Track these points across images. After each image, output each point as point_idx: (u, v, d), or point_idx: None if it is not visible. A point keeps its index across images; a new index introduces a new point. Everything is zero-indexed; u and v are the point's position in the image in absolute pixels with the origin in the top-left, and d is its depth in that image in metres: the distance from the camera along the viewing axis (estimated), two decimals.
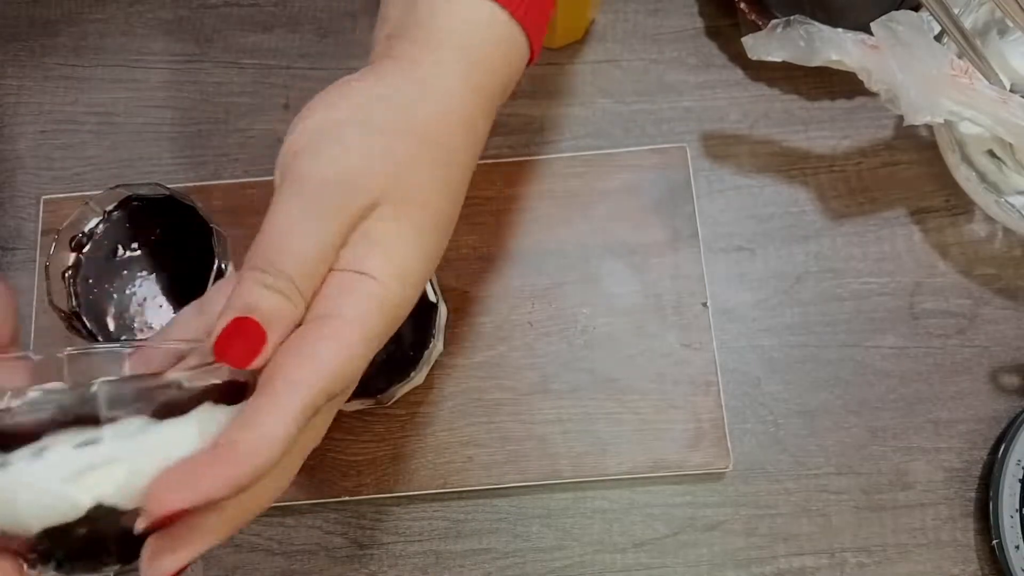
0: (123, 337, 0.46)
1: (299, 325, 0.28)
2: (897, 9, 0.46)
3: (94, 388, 0.24)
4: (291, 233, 0.28)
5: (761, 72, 0.56)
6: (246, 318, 0.27)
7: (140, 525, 0.24)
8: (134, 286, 0.48)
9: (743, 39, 0.49)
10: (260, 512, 0.28)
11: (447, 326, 0.49)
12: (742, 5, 0.54)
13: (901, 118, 0.47)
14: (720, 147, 0.55)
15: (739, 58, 0.56)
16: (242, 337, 0.27)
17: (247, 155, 0.56)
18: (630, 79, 0.57)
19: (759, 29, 0.51)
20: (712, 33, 0.57)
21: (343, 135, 0.30)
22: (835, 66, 0.47)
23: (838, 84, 0.56)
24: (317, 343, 0.27)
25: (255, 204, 0.53)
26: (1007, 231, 0.53)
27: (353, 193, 0.29)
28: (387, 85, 0.31)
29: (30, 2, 0.59)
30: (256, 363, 0.27)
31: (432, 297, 0.46)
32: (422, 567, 0.49)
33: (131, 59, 0.58)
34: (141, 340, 0.28)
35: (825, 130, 0.56)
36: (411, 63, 0.32)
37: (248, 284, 0.27)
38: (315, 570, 0.49)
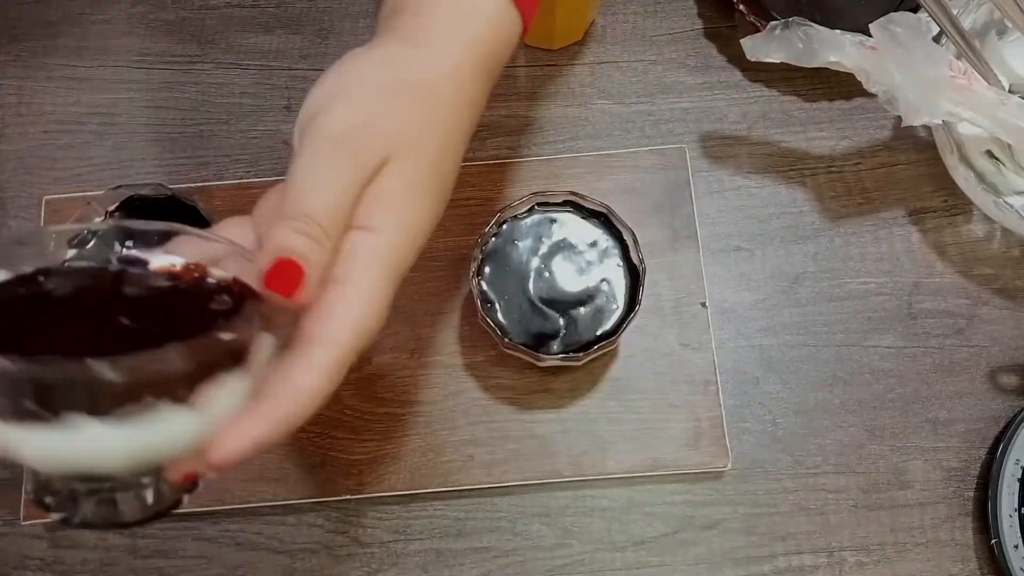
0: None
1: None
2: (895, 11, 0.47)
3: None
4: (314, 184, 0.31)
5: (760, 73, 0.57)
6: (287, 259, 0.30)
7: (214, 464, 0.28)
8: None
9: (742, 40, 0.49)
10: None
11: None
12: (740, 7, 0.55)
13: (899, 119, 0.47)
14: (719, 148, 0.56)
15: (738, 59, 0.57)
16: (284, 273, 0.30)
17: (249, 156, 0.56)
18: (629, 80, 0.57)
19: (757, 30, 0.51)
20: (711, 34, 0.58)
21: (351, 96, 0.32)
22: (833, 67, 0.47)
23: (836, 85, 0.56)
24: (337, 305, 0.30)
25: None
26: (1005, 231, 0.53)
27: (364, 147, 0.31)
28: (387, 50, 0.34)
29: (32, 3, 0.60)
30: (300, 295, 0.30)
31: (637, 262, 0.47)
32: (423, 565, 0.49)
33: (133, 60, 0.58)
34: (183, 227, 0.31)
35: (823, 131, 0.56)
36: (409, 31, 0.35)
37: (283, 230, 0.30)
38: (316, 568, 0.50)
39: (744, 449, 0.51)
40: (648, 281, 0.46)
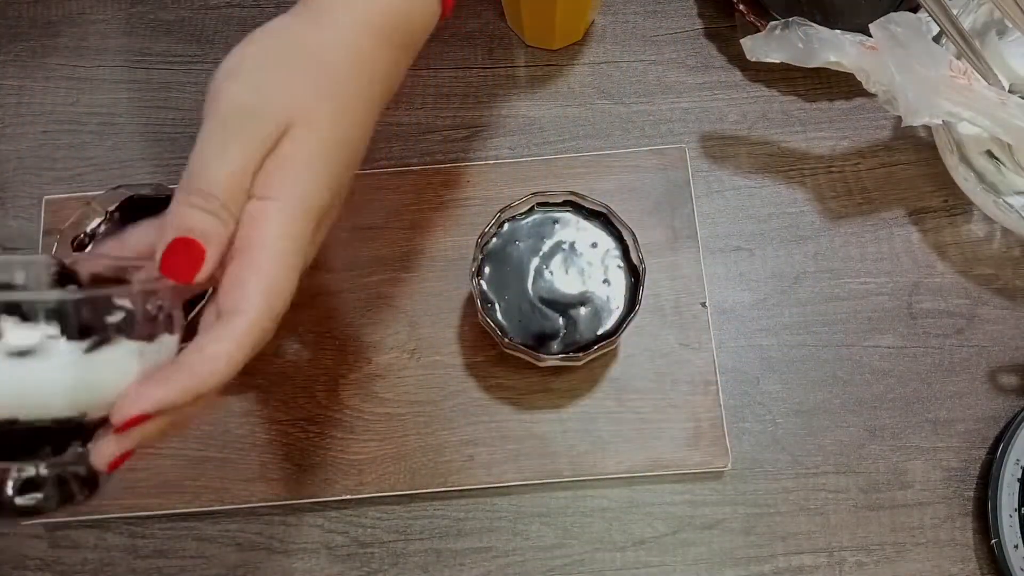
0: None
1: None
2: (895, 11, 0.47)
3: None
4: (211, 159, 0.32)
5: (759, 73, 0.57)
6: (185, 237, 0.31)
7: (115, 422, 0.29)
8: None
9: (742, 41, 0.49)
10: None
11: None
12: (740, 7, 0.55)
13: (899, 119, 0.47)
14: (719, 148, 0.56)
15: (738, 59, 0.57)
16: (183, 253, 0.31)
17: None
18: (629, 80, 0.57)
19: (757, 30, 0.51)
20: (711, 34, 0.58)
21: (243, 72, 0.33)
22: (833, 67, 0.47)
23: (836, 85, 0.56)
24: (243, 274, 0.31)
25: None
26: (1005, 231, 0.53)
27: (257, 120, 0.32)
28: (282, 23, 0.35)
29: (32, 2, 0.60)
30: (199, 276, 0.31)
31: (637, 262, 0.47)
32: (423, 565, 0.49)
33: (132, 60, 0.58)
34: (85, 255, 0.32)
35: (823, 131, 0.56)
36: (309, 4, 0.35)
37: (181, 207, 0.31)
38: (316, 568, 0.50)
39: (744, 449, 0.51)
40: (648, 281, 0.46)
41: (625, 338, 0.51)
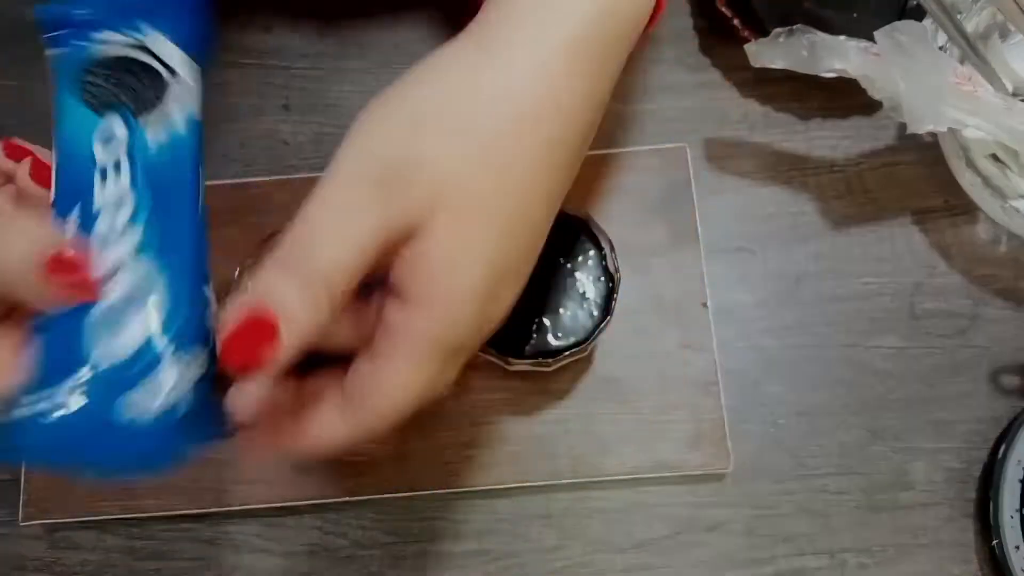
0: None
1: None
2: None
3: None
4: (327, 232, 0.26)
5: (762, 73, 0.56)
6: (262, 318, 0.25)
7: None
8: None
9: (746, 47, 0.49)
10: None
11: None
12: (735, 21, 0.54)
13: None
14: (720, 148, 0.55)
15: (739, 59, 0.56)
16: (254, 335, 0.25)
17: (247, 155, 0.56)
18: (630, 79, 0.57)
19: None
20: (713, 33, 0.57)
21: (392, 120, 0.27)
22: (838, 74, 0.47)
23: (839, 85, 0.56)
24: (372, 380, 0.27)
25: (255, 204, 0.53)
26: (1011, 235, 0.53)
27: (397, 192, 0.26)
28: (454, 56, 0.28)
29: (31, 2, 0.59)
30: (265, 368, 0.25)
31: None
32: (422, 568, 0.49)
33: None
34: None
35: (825, 131, 0.56)
36: (486, 27, 0.28)
37: (272, 276, 0.26)
38: (315, 570, 0.49)
39: (746, 450, 0.50)
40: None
41: (626, 339, 0.51)
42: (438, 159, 0.26)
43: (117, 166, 0.29)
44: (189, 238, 0.30)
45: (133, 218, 0.29)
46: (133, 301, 0.27)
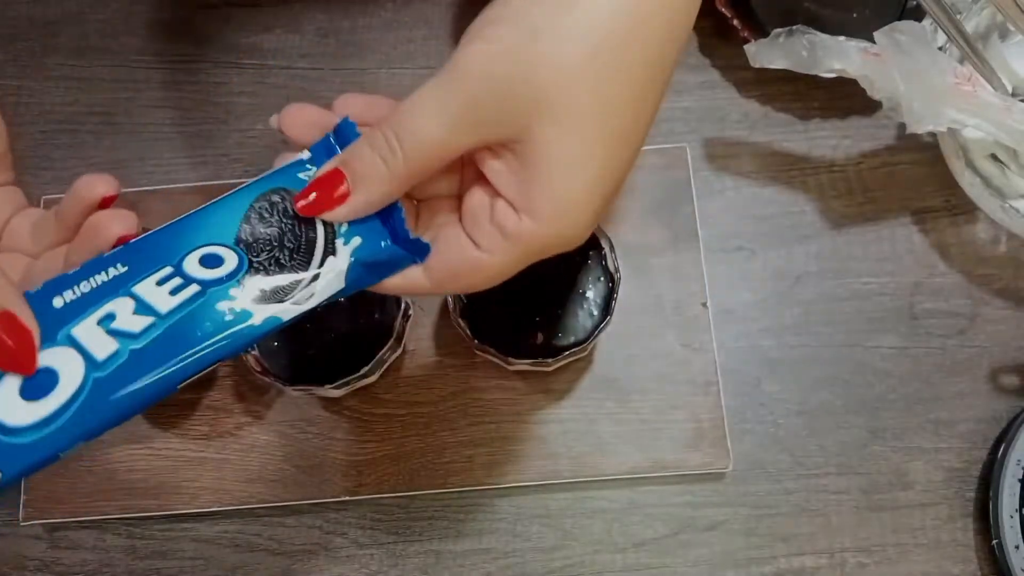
0: None
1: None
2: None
3: None
4: (424, 115, 0.28)
5: (762, 72, 0.56)
6: (336, 172, 0.30)
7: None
8: None
9: (746, 47, 0.49)
10: None
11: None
12: (735, 22, 0.54)
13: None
14: (720, 147, 0.55)
15: (739, 58, 0.56)
16: (328, 186, 0.30)
17: (247, 155, 0.56)
18: None
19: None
20: (713, 33, 0.57)
21: (502, 33, 0.28)
22: (838, 74, 0.47)
23: (838, 84, 0.56)
24: (467, 266, 0.30)
25: None
26: (1011, 234, 0.53)
27: (502, 105, 0.28)
28: None
29: (31, 2, 0.59)
30: (334, 214, 0.30)
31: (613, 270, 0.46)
32: (422, 567, 0.49)
33: (131, 59, 0.58)
34: None
35: (825, 130, 0.56)
36: None
37: (362, 144, 0.29)
38: (315, 570, 0.49)
39: (745, 450, 0.50)
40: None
41: (626, 338, 0.51)
42: (550, 67, 0.28)
43: (179, 290, 0.29)
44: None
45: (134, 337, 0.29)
46: None
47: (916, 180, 0.55)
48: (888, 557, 0.49)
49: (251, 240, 0.30)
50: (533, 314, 0.46)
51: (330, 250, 0.30)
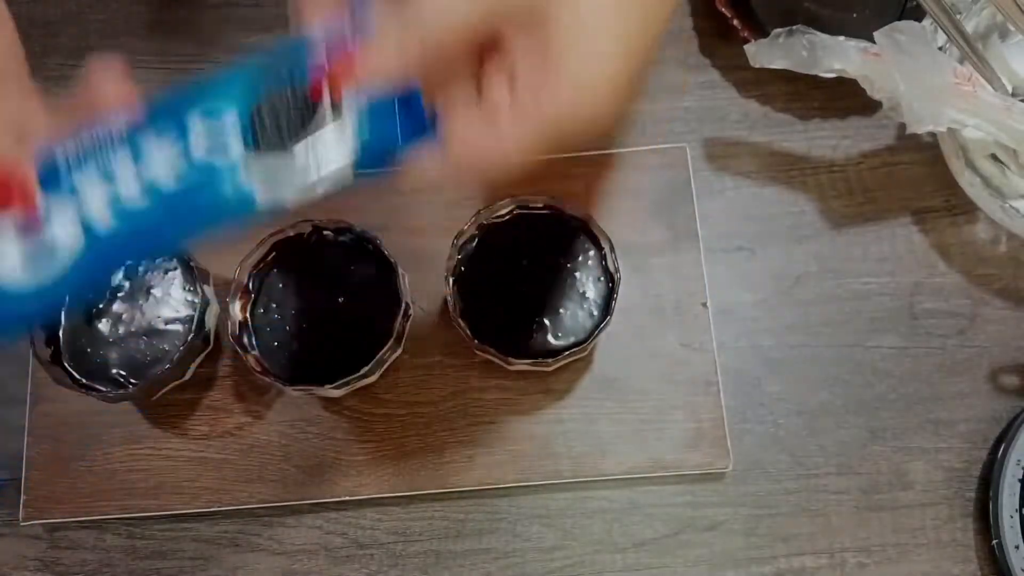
0: None
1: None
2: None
3: None
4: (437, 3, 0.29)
5: (762, 73, 0.56)
6: (357, 39, 0.29)
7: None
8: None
9: (746, 47, 0.49)
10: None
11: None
12: (735, 22, 0.54)
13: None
14: (720, 147, 0.55)
15: (739, 58, 0.56)
16: (345, 60, 0.29)
17: None
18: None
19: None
20: (713, 33, 0.57)
21: None
22: (838, 74, 0.48)
23: (838, 84, 0.56)
24: (478, 143, 0.30)
25: None
26: (1008, 232, 0.53)
27: None
28: None
29: (31, 2, 0.59)
30: (350, 81, 0.29)
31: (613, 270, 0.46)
32: (422, 567, 0.49)
33: (133, 60, 0.57)
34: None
35: (825, 130, 0.56)
36: None
37: (382, 36, 0.29)
38: (315, 570, 0.49)
39: (745, 450, 0.50)
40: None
41: (626, 339, 0.51)
42: None
43: (182, 158, 0.29)
44: None
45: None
46: None
47: (916, 180, 0.55)
48: (888, 557, 0.49)
49: (259, 117, 0.30)
50: (533, 314, 0.46)
51: (339, 131, 0.30)
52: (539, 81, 0.29)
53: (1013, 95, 0.49)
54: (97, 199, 0.29)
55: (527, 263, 0.47)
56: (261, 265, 0.48)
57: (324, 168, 0.30)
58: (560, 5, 0.29)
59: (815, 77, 0.48)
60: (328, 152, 0.30)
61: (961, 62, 0.48)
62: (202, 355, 0.49)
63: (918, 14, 0.52)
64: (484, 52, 0.32)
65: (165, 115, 0.30)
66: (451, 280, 0.46)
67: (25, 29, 0.58)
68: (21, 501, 0.49)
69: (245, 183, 0.29)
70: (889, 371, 0.52)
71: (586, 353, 0.48)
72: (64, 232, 0.29)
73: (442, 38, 0.29)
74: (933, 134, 0.54)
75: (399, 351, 0.49)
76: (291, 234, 0.47)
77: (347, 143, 0.30)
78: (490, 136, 0.30)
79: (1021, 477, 0.48)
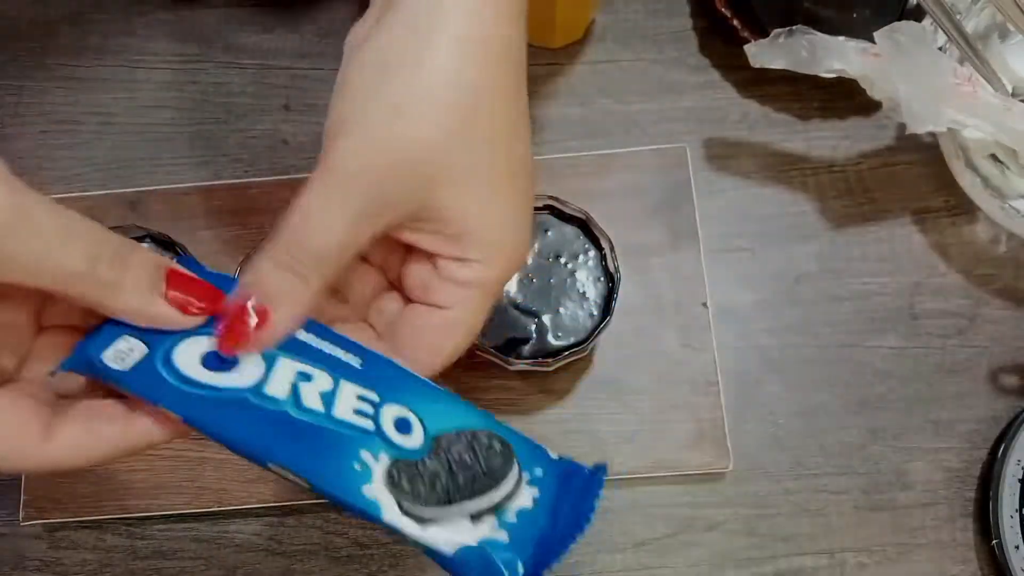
0: None
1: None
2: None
3: None
4: (317, 222, 0.28)
5: (762, 73, 0.56)
6: (255, 307, 0.28)
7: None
8: None
9: (745, 47, 0.49)
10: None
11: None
12: (735, 21, 0.54)
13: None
14: (720, 147, 0.55)
15: (739, 58, 0.56)
16: (245, 321, 0.28)
17: (248, 155, 0.56)
18: (630, 79, 0.57)
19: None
20: (713, 33, 0.57)
21: (357, 121, 0.28)
22: (838, 74, 0.48)
23: (838, 84, 0.56)
24: (438, 332, 0.31)
25: (256, 204, 0.53)
26: (1008, 232, 0.53)
27: (382, 189, 0.28)
28: (393, 47, 0.29)
29: (31, 2, 0.59)
30: (259, 346, 0.28)
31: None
32: (422, 567, 0.49)
33: (132, 59, 0.58)
34: None
35: (825, 130, 0.56)
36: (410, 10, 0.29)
37: (267, 266, 0.28)
38: (315, 570, 0.49)
39: (745, 450, 0.50)
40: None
41: (626, 339, 0.51)
42: (424, 140, 0.28)
43: (360, 414, 0.29)
44: None
45: None
46: None
47: (916, 180, 0.55)
48: (888, 557, 0.49)
49: (446, 447, 0.30)
50: (533, 314, 0.46)
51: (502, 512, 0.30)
52: (460, 254, 0.30)
53: (1013, 95, 0.49)
54: (280, 383, 0.29)
55: (527, 263, 0.47)
56: None
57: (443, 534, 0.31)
58: (442, 186, 0.29)
59: (815, 77, 0.48)
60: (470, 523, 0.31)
61: (961, 62, 0.48)
62: None
63: (918, 14, 0.52)
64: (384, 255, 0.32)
65: (390, 378, 0.31)
66: None
67: (26, 29, 0.59)
68: (21, 501, 0.49)
69: (372, 493, 0.29)
70: (889, 371, 0.52)
71: (586, 353, 0.48)
72: (231, 379, 0.29)
73: (334, 264, 0.29)
74: (933, 134, 0.54)
75: None
76: None
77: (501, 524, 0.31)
78: (445, 323, 0.31)
79: (1021, 477, 0.48)
